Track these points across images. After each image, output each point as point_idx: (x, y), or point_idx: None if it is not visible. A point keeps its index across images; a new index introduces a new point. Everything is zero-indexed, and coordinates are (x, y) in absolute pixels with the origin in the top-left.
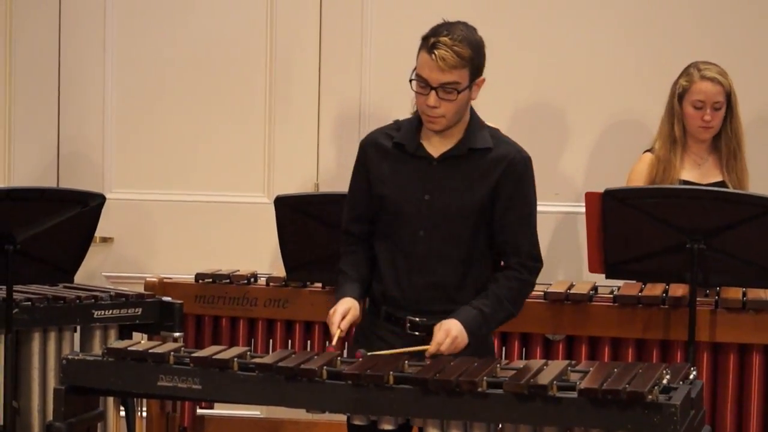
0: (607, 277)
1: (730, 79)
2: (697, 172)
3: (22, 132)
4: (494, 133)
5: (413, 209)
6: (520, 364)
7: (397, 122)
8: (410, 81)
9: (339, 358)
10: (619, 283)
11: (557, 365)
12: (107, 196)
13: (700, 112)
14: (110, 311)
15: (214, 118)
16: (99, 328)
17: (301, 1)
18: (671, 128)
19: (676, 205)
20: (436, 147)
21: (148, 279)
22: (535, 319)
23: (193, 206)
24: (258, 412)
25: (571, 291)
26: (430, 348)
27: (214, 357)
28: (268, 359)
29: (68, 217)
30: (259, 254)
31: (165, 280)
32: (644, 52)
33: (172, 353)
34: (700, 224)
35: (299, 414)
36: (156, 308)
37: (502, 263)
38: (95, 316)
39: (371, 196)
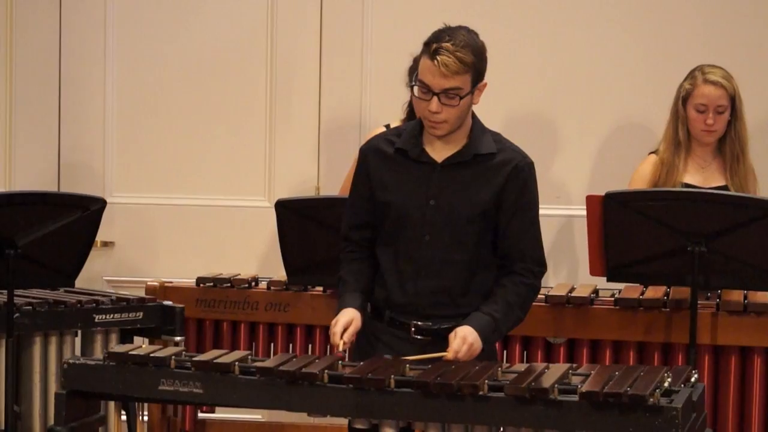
0: (608, 280)
1: (735, 83)
2: (700, 175)
3: (23, 136)
4: (497, 137)
5: (418, 215)
6: (521, 367)
7: (396, 128)
8: (411, 87)
9: (340, 361)
10: (620, 286)
11: (558, 368)
12: (108, 200)
13: (702, 116)
14: (111, 315)
15: (215, 122)
16: (100, 332)
17: (302, 6)
18: (675, 131)
19: (677, 208)
20: (439, 152)
21: (149, 283)
22: (536, 322)
23: (194, 210)
24: (259, 416)
25: (572, 294)
26: (448, 355)
27: (215, 361)
28: (269, 363)
29: (69, 222)
30: (260, 258)
31: (166, 284)
32: (649, 55)
33: (173, 357)
34: (701, 227)
35: (301, 418)
36: (157, 312)
37: (506, 267)
38: (96, 320)
39: (373, 202)
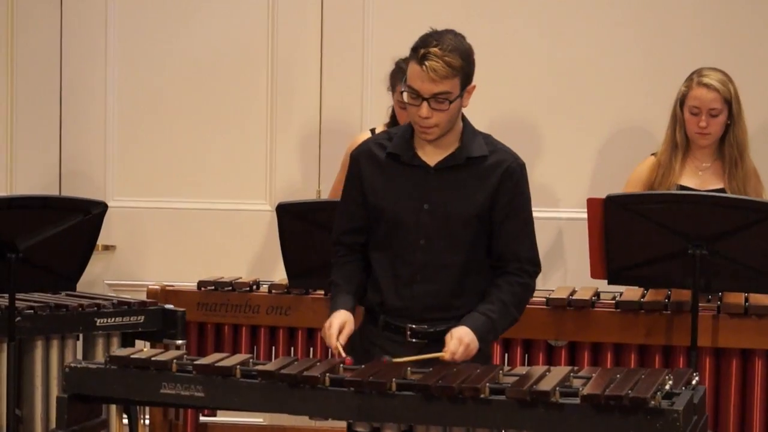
0: (609, 283)
1: (732, 87)
2: (697, 178)
3: (24, 140)
4: (488, 139)
5: (413, 219)
6: (522, 370)
7: (387, 131)
8: (401, 92)
9: (341, 365)
10: (622, 288)
11: (560, 371)
12: (109, 204)
13: (696, 118)
14: (113, 319)
15: (216, 125)
16: (101, 336)
17: (303, 10)
18: (673, 133)
19: (677, 211)
20: (431, 156)
21: (150, 287)
22: (537, 325)
23: (195, 214)
24: (261, 419)
25: (574, 297)
26: (445, 356)
27: (216, 364)
28: (270, 366)
29: (70, 226)
30: (261, 261)
31: (167, 288)
32: (650, 58)
33: (174, 361)
34: (702, 230)
35: (302, 421)
36: (158, 316)
37: (500, 268)
38: (98, 324)
39: (366, 207)
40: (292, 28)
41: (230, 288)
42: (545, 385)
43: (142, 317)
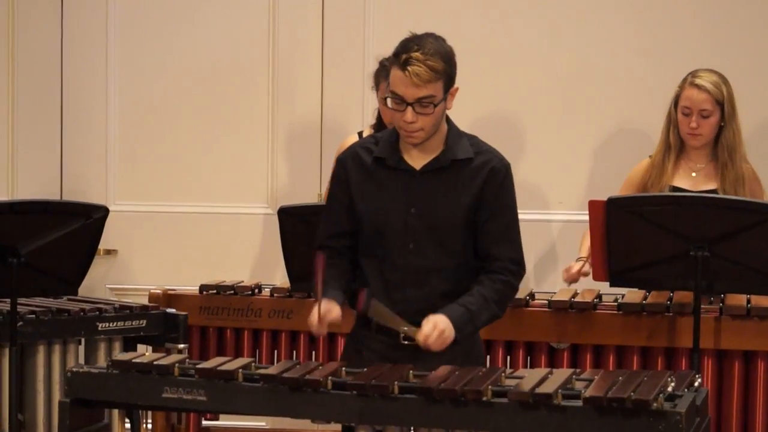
0: (611, 285)
1: (726, 89)
2: (690, 179)
3: (25, 145)
4: (473, 140)
5: (401, 223)
6: (524, 372)
7: (373, 135)
8: (385, 99)
9: (344, 368)
10: (624, 291)
11: (562, 373)
12: (111, 208)
13: (688, 119)
14: (114, 323)
15: (218, 129)
16: (103, 340)
17: (304, 12)
18: (667, 134)
19: (679, 213)
20: (416, 159)
21: (152, 291)
22: (539, 327)
23: (197, 218)
24: (263, 423)
25: (576, 299)
26: (419, 338)
27: (218, 368)
28: (272, 370)
29: (72, 230)
30: (263, 265)
31: (169, 292)
32: (648, 60)
33: (176, 365)
34: (704, 232)
35: (304, 424)
36: (160, 320)
37: (485, 267)
38: (99, 328)
39: (353, 211)
40: (293, 31)
41: (232, 292)
42: (547, 388)
43: (144, 321)
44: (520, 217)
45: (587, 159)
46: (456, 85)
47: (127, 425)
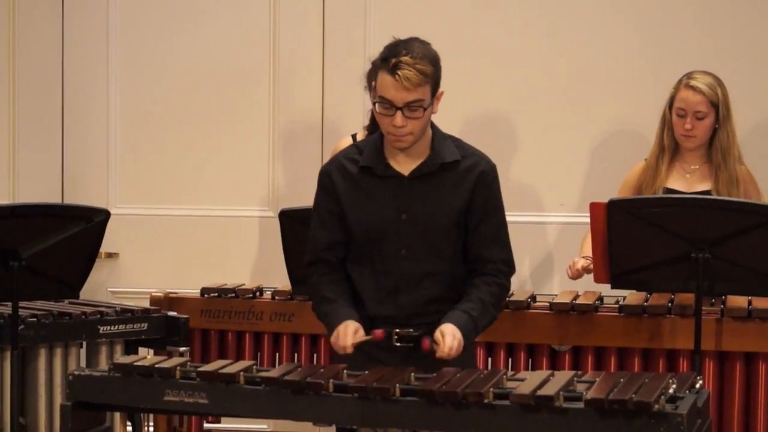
0: (612, 287)
1: (721, 90)
2: (684, 180)
3: (26, 148)
4: (458, 143)
5: (392, 230)
6: (526, 374)
7: (355, 144)
8: (374, 104)
9: (345, 370)
10: (625, 292)
11: (563, 376)
12: (112, 211)
13: (682, 120)
14: (116, 327)
15: (219, 132)
16: (105, 343)
17: (304, 15)
18: (661, 136)
19: (680, 215)
20: (403, 165)
21: (153, 294)
22: (541, 329)
23: (198, 221)
24: (265, 426)
25: (577, 301)
26: (444, 351)
27: (220, 371)
28: (274, 373)
29: (73, 233)
30: (265, 268)
31: (170, 295)
32: (646, 62)
33: (178, 368)
34: (705, 233)
35: (306, 427)
36: (162, 323)
37: (476, 269)
38: (101, 331)
39: (344, 222)
40: (293, 33)
41: (233, 295)
42: (549, 390)
43: (146, 324)
44: (516, 219)
45: (584, 161)
46: (441, 89)
47: (129, 428)
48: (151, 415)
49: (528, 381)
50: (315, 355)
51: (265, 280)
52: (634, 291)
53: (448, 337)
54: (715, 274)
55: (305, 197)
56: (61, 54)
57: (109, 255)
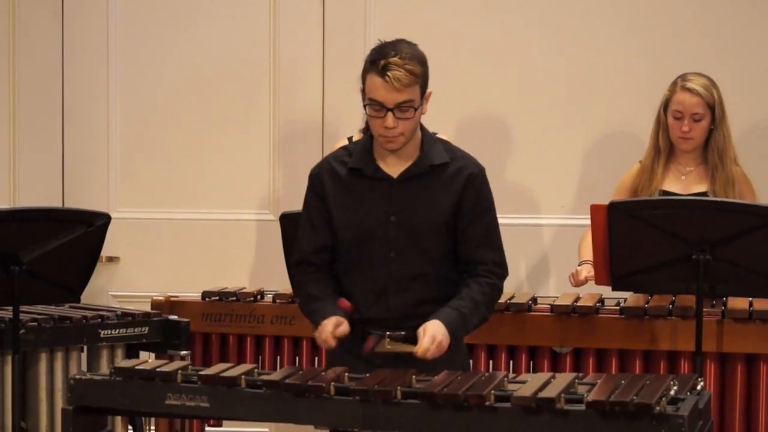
0: (613, 289)
1: (716, 92)
2: (679, 182)
3: (26, 152)
4: (446, 145)
5: (381, 232)
6: (527, 377)
7: (345, 147)
8: (364, 107)
9: (346, 373)
10: (626, 294)
11: (564, 378)
12: (112, 215)
13: (679, 123)
14: (117, 330)
15: (219, 135)
16: (106, 347)
17: (305, 18)
18: (656, 138)
19: (681, 216)
20: (392, 167)
21: (154, 298)
22: (542, 331)
23: (199, 224)
24: (266, 429)
25: (578, 303)
26: (418, 351)
27: (221, 375)
28: (275, 376)
29: (74, 238)
30: (266, 271)
31: (171, 299)
32: (642, 63)
33: (179, 371)
34: (706, 235)
35: (307, 430)
36: (163, 327)
37: (468, 271)
38: (102, 335)
39: (333, 224)
40: (295, 37)
41: (234, 298)
42: (550, 392)
43: (146, 328)
44: (512, 221)
45: (580, 162)
46: (429, 89)
47: None
48: (153, 419)
49: (529, 383)
50: (316, 358)
51: (266, 284)
52: (635, 293)
53: (427, 338)
54: (715, 275)
55: None
56: (61, 57)
57: (110, 259)
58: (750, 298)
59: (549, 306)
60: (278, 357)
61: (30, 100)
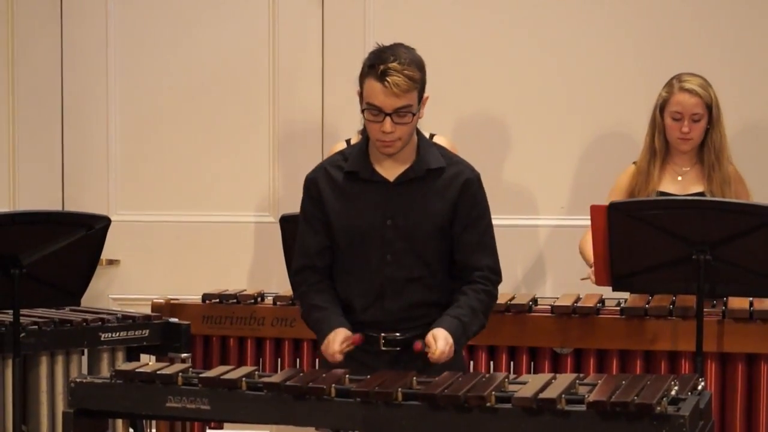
0: (614, 290)
1: (712, 91)
2: (676, 183)
3: (26, 155)
4: (442, 151)
5: (377, 235)
6: (528, 378)
7: (341, 152)
8: (362, 111)
9: (347, 375)
10: (626, 295)
11: (565, 378)
12: (112, 218)
13: (678, 124)
14: (117, 333)
15: (219, 137)
16: (106, 350)
17: (304, 20)
18: (652, 140)
19: (681, 217)
20: (389, 170)
21: (154, 300)
22: (542, 332)
23: (199, 227)
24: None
25: (578, 304)
26: (434, 356)
27: (222, 377)
28: (276, 378)
29: (74, 240)
30: (266, 273)
31: (172, 302)
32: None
33: (180, 374)
34: (706, 235)
35: None
36: (163, 330)
37: (464, 278)
38: (102, 338)
39: (331, 228)
40: (294, 40)
41: (235, 300)
42: (551, 393)
43: (147, 331)
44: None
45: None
46: (426, 94)
47: None
48: (154, 422)
49: (530, 384)
50: (317, 360)
51: (266, 286)
52: (636, 293)
53: (441, 341)
54: (716, 275)
55: None
56: (60, 60)
57: (110, 262)
58: (750, 298)
59: (549, 307)
60: (279, 359)
61: (29, 103)
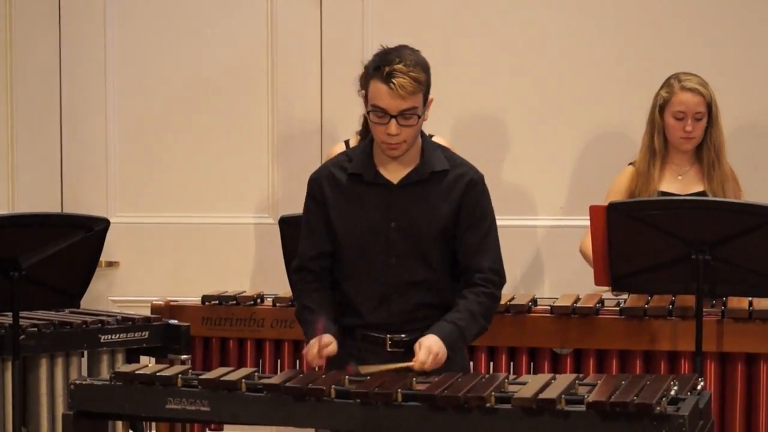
0: (613, 290)
1: (710, 89)
2: (677, 183)
3: (25, 158)
4: (446, 153)
5: (381, 238)
6: (527, 378)
7: (344, 152)
8: (367, 113)
9: (347, 376)
10: (625, 295)
11: (565, 379)
12: (111, 220)
13: (681, 123)
14: (117, 335)
15: (218, 139)
16: (106, 352)
17: (302, 23)
18: (651, 140)
19: (680, 217)
20: (393, 172)
21: (154, 302)
22: (542, 333)
23: (199, 228)
24: None
25: (578, 304)
26: (415, 366)
27: (222, 379)
28: (276, 379)
29: (73, 243)
30: (265, 275)
31: (171, 303)
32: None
33: (180, 376)
34: (705, 235)
35: None
36: (163, 331)
37: (466, 280)
38: (102, 340)
39: (332, 231)
40: (292, 42)
41: (234, 302)
42: (551, 393)
43: (147, 333)
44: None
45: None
46: (431, 96)
47: None
48: (153, 424)
49: (530, 384)
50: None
51: (265, 287)
52: (635, 293)
53: (423, 351)
54: (715, 275)
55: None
56: (58, 62)
57: (110, 264)
58: (750, 298)
59: (549, 307)
60: (278, 360)
61: (28, 105)
